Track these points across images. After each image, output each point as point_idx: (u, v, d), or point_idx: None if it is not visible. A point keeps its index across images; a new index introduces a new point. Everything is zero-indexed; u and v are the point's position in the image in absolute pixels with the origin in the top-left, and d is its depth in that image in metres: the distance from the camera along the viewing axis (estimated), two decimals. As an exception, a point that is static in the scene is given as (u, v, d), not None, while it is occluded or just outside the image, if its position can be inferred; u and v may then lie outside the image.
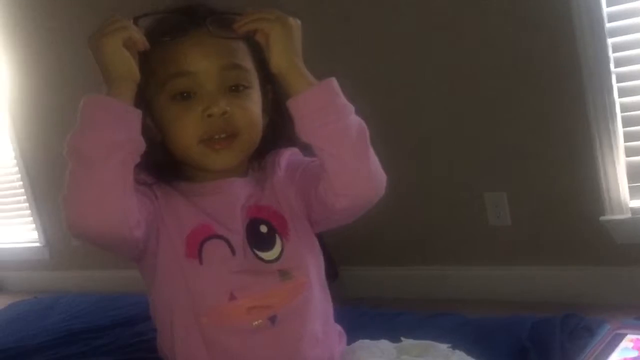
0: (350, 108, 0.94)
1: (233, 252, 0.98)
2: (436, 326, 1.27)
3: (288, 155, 1.06)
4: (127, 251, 0.97)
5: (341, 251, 2.38)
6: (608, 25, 2.14)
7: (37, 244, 4.11)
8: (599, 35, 2.15)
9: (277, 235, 1.01)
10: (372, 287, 2.59)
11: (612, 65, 2.16)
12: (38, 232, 4.10)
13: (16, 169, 4.08)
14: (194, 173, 1.02)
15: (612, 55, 2.16)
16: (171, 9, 0.99)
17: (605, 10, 2.14)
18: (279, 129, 1.04)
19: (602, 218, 2.25)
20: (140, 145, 0.89)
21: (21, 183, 4.09)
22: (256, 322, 0.97)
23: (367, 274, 2.70)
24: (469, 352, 1.05)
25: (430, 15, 2.45)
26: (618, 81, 2.17)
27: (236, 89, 0.97)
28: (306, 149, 1.04)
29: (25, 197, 4.12)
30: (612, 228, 2.24)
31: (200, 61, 0.95)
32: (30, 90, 3.82)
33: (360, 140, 0.93)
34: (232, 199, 1.01)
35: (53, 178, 3.76)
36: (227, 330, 0.97)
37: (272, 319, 0.98)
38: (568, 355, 1.09)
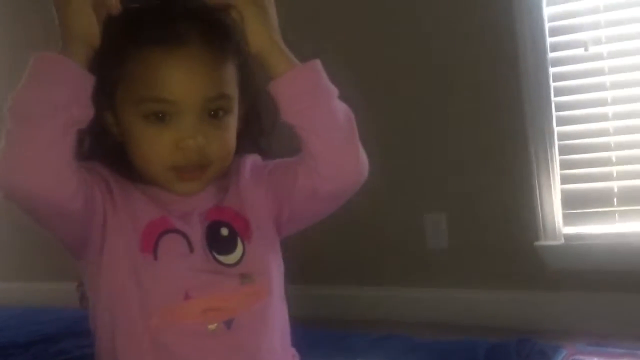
0: (335, 91, 0.92)
1: (191, 249, 0.93)
2: (388, 348, 1.23)
3: (251, 160, 1.02)
4: (64, 228, 0.89)
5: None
6: (550, 55, 2.20)
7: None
8: (541, 64, 2.20)
9: (238, 238, 0.96)
10: (309, 306, 2.54)
11: (552, 94, 2.21)
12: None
13: None
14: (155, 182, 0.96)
15: (552, 84, 2.21)
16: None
17: (548, 40, 2.20)
18: (248, 138, 1.00)
19: (536, 243, 2.29)
20: (88, 111, 0.84)
21: None
22: (211, 326, 0.91)
23: (304, 293, 2.64)
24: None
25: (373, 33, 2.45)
26: (557, 110, 2.22)
27: (215, 115, 0.92)
28: (267, 156, 1.00)
29: None
30: (546, 254, 2.28)
31: (186, 92, 0.89)
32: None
33: (347, 122, 0.92)
34: (192, 205, 0.96)
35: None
36: (179, 333, 0.91)
37: (228, 324, 0.92)
38: (526, 381, 1.07)
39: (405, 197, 2.50)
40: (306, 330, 1.22)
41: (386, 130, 2.49)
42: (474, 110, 2.34)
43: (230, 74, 0.93)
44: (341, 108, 0.92)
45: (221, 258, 0.94)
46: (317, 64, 0.92)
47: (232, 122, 0.95)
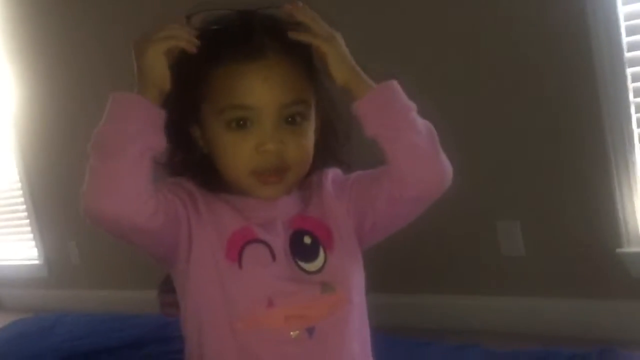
0: (414, 106, 0.97)
1: (274, 257, 0.97)
2: (465, 358, 1.22)
3: (332, 173, 1.05)
4: (150, 244, 0.96)
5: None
6: (627, 54, 2.13)
7: (36, 262, 4.06)
8: (618, 65, 2.14)
9: (320, 247, 0.99)
10: (381, 314, 2.54)
11: (631, 95, 2.14)
12: (37, 249, 4.05)
13: (19, 184, 4.04)
14: (239, 189, 1.00)
15: (631, 85, 2.14)
16: (226, 18, 0.97)
17: (625, 39, 2.13)
18: (327, 149, 1.03)
19: (618, 250, 2.22)
20: (159, 141, 0.90)
21: (22, 199, 4.05)
22: (293, 333, 0.95)
23: (377, 301, 2.65)
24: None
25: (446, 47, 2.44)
26: (637, 111, 2.15)
27: (293, 121, 0.97)
28: (348, 169, 1.03)
29: (26, 213, 4.07)
30: (629, 261, 2.20)
31: (264, 98, 0.94)
32: (36, 107, 3.80)
33: (428, 131, 0.96)
34: (276, 213, 1.00)
35: (55, 196, 3.73)
36: (262, 338, 0.95)
37: (310, 331, 0.95)
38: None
39: (477, 203, 2.47)
40: (381, 337, 1.23)
41: (458, 136, 2.47)
42: (549, 114, 2.28)
43: (306, 82, 0.98)
44: (421, 121, 0.97)
45: (303, 265, 0.98)
46: (394, 82, 0.97)
47: (309, 129, 0.99)
